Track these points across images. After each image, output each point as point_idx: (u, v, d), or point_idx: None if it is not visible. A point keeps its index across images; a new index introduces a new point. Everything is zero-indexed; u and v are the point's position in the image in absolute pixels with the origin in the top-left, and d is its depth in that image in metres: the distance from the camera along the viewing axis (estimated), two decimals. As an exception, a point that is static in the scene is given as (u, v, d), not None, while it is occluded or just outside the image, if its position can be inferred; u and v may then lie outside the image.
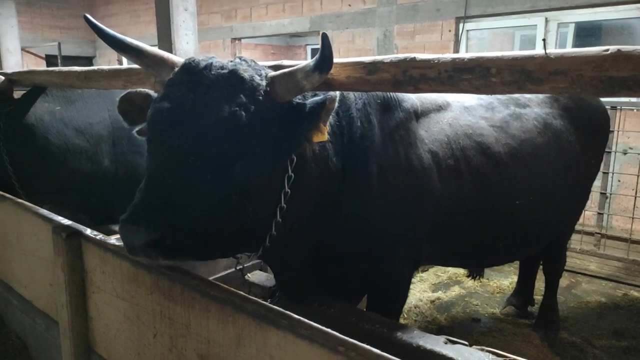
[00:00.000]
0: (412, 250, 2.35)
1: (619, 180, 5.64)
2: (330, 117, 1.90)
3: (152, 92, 1.84)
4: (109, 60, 13.63)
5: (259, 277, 2.73)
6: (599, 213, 4.71)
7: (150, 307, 1.63)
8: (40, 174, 3.33)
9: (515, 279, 4.30)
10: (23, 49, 8.92)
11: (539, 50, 1.21)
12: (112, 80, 2.60)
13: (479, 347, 1.98)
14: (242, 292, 1.39)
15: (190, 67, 1.66)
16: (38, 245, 2.25)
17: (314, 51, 15.08)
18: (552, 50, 1.18)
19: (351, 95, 2.10)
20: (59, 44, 11.62)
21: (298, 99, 1.74)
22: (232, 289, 1.41)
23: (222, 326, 1.37)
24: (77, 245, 1.93)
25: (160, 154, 1.57)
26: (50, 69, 3.11)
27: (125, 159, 3.56)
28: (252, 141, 1.60)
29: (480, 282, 4.31)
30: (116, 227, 3.44)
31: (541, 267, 3.57)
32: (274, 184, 1.77)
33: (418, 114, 2.35)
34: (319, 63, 1.51)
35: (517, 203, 2.46)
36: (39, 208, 2.31)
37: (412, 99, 2.34)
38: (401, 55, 1.46)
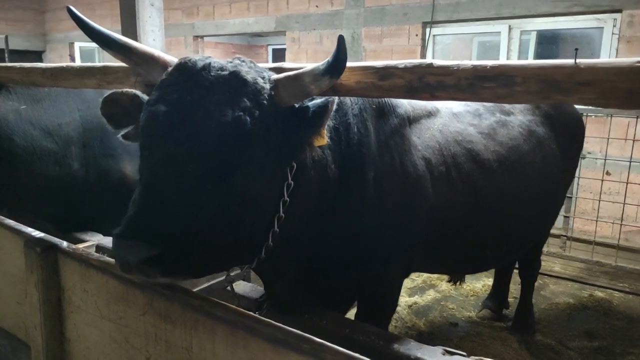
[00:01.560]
0: (405, 259, 2.32)
1: (578, 184, 5.87)
2: (329, 122, 1.83)
3: (139, 93, 1.70)
4: (60, 56, 12.97)
5: (244, 287, 2.61)
6: (564, 216, 4.87)
7: (142, 328, 1.50)
8: (3, 178, 3.06)
9: (487, 282, 4.38)
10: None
11: (567, 60, 1.18)
12: (84, 79, 2.40)
13: (477, 357, 1.95)
14: (252, 313, 1.29)
15: (186, 67, 1.54)
16: (3, 260, 2.04)
17: (275, 51, 14.92)
18: (582, 60, 1.16)
19: (347, 99, 2.03)
20: (6, 37, 10.96)
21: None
22: (242, 309, 1.30)
23: (232, 350, 1.26)
24: (52, 261, 1.75)
25: (156, 161, 1.44)
26: (10, 64, 2.85)
27: (97, 162, 3.33)
28: (255, 148, 1.50)
29: (454, 285, 4.35)
30: (83, 236, 3.26)
31: (516, 270, 3.64)
32: (273, 192, 1.68)
33: (410, 120, 2.31)
34: (331, 67, 1.43)
35: (505, 210, 2.48)
36: (4, 218, 2.10)
37: (405, 105, 2.31)
38: (416, 61, 1.41)
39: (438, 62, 1.37)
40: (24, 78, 2.74)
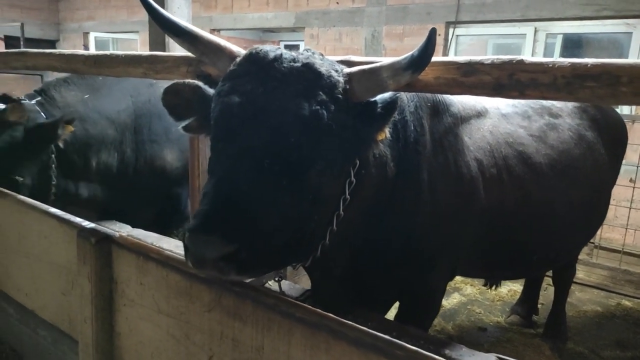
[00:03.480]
0: (452, 261, 2.27)
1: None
2: None
3: (202, 84, 1.65)
4: (73, 45, 12.91)
5: (282, 285, 2.56)
6: (592, 222, 4.79)
7: (206, 325, 1.45)
8: (78, 172, 3.04)
9: (513, 286, 4.32)
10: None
11: (681, 61, 1.12)
12: (130, 68, 2.35)
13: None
14: (334, 316, 1.24)
15: (257, 58, 1.48)
16: (48, 249, 2.00)
17: (287, 47, 14.85)
18: (697, 61, 1.10)
19: (404, 97, 1.98)
20: (22, 24, 10.90)
21: None
22: (323, 311, 1.25)
23: (311, 354, 1.21)
24: (106, 252, 1.71)
25: (230, 154, 1.39)
26: (49, 50, 2.81)
27: (144, 148, 3.32)
28: (329, 144, 1.45)
29: (479, 289, 4.29)
30: (110, 226, 3.22)
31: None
32: (337, 189, 1.63)
33: (461, 120, 2.26)
34: (416, 61, 1.37)
35: (555, 215, 2.42)
36: (49, 207, 2.06)
37: (457, 104, 2.25)
38: (504, 57, 1.35)
39: (529, 59, 1.31)
40: (64, 65, 2.70)
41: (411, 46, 6.86)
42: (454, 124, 2.17)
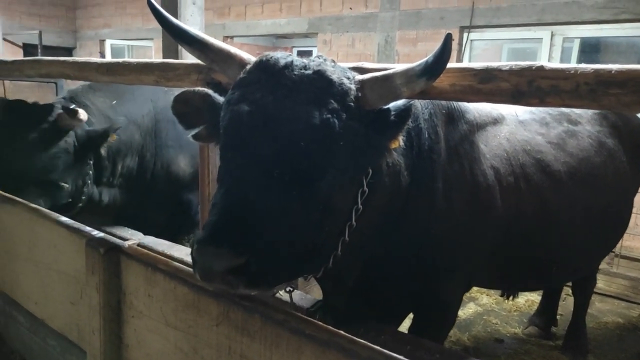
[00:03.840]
0: (468, 272, 2.20)
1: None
2: None
3: (211, 92, 1.62)
4: (90, 52, 13.09)
5: (293, 295, 2.51)
6: (612, 231, 4.67)
7: (214, 340, 1.41)
8: (105, 178, 3.06)
9: (530, 297, 4.22)
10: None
11: None
12: (142, 75, 2.34)
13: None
14: (345, 333, 1.19)
15: (267, 65, 1.45)
16: (58, 258, 1.98)
17: (300, 53, 14.88)
18: None
19: (418, 104, 1.93)
20: (40, 32, 11.09)
21: None
22: (333, 328, 1.20)
23: (322, 372, 1.16)
24: (115, 262, 1.68)
25: (239, 163, 1.35)
26: (63, 58, 2.82)
27: (162, 152, 3.33)
28: (341, 153, 1.40)
29: (495, 299, 4.20)
30: (121, 233, 3.21)
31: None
32: (349, 199, 1.58)
33: (477, 127, 2.20)
34: (431, 68, 1.32)
35: (575, 225, 2.34)
36: (60, 216, 2.04)
37: (473, 110, 2.20)
38: (523, 63, 1.30)
39: (550, 65, 1.26)
40: (77, 73, 2.70)
41: (425, 51, 6.81)
42: (469, 131, 2.12)
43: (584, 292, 3.34)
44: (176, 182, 3.44)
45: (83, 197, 2.96)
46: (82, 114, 2.76)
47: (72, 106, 2.76)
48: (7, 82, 3.71)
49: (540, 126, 2.47)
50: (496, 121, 2.33)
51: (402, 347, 2.04)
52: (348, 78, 1.46)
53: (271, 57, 1.47)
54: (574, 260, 2.49)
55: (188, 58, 5.00)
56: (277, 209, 1.32)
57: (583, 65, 1.21)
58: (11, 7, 12.23)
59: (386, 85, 1.43)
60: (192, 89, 1.64)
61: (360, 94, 1.43)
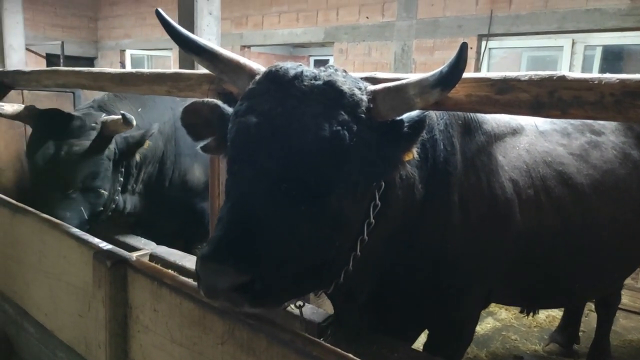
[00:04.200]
0: (486, 288, 2.12)
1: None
2: None
3: (221, 103, 1.59)
4: (110, 62, 13.33)
5: (305, 310, 2.46)
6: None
7: (219, 358, 1.36)
8: (130, 185, 3.11)
9: (551, 312, 4.08)
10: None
11: None
12: (155, 86, 2.33)
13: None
14: (354, 357, 1.13)
15: (277, 76, 1.41)
16: (67, 269, 1.97)
17: (317, 63, 14.89)
18: None
19: (433, 114, 1.87)
20: (62, 43, 11.33)
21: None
22: (342, 351, 1.14)
23: (329, 397, 1.10)
24: (122, 276, 1.65)
25: (246, 177, 1.31)
26: (78, 69, 2.84)
27: (180, 160, 3.33)
28: (351, 166, 1.36)
29: (514, 314, 4.07)
30: (133, 242, 3.20)
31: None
32: (360, 214, 1.53)
33: (495, 138, 2.13)
34: (446, 78, 1.27)
35: (598, 240, 2.24)
36: (70, 227, 2.03)
37: (490, 121, 2.13)
38: (543, 73, 1.23)
39: (572, 74, 1.19)
40: (92, 83, 2.72)
41: (442, 60, 6.73)
42: (487, 143, 2.05)
43: (608, 309, 3.21)
44: (191, 190, 3.44)
45: (113, 206, 2.99)
46: (134, 121, 2.78)
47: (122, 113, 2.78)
48: (25, 92, 3.76)
49: (561, 137, 2.38)
50: (515, 132, 2.26)
51: (417, 366, 1.98)
52: (359, 89, 1.41)
53: (281, 68, 1.44)
54: (597, 278, 2.39)
55: (202, 68, 5.03)
56: (285, 225, 1.27)
57: (608, 75, 1.15)
58: (35, 18, 12.53)
59: (399, 96, 1.38)
60: (201, 99, 1.62)
61: (372, 105, 1.39)
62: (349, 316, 2.02)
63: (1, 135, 3.70)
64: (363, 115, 1.36)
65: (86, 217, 2.83)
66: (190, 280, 1.52)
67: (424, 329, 2.33)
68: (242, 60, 1.61)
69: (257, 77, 1.47)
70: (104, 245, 1.81)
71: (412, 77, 1.39)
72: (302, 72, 1.41)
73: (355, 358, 1.12)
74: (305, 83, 1.38)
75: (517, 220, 2.03)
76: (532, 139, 2.28)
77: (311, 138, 1.29)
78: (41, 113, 2.96)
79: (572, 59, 6.39)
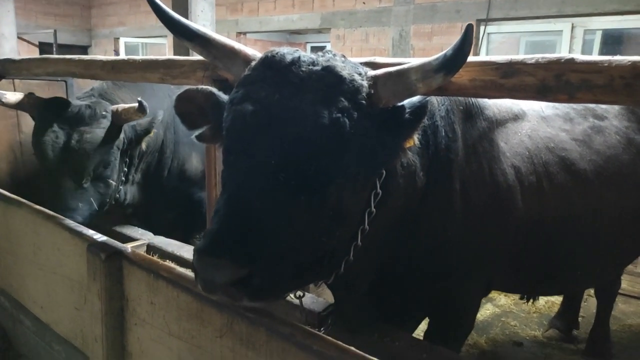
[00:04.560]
0: (487, 276, 2.10)
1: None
2: None
3: (215, 91, 1.54)
4: (105, 50, 13.16)
5: (305, 300, 2.43)
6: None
7: (218, 352, 1.34)
8: (130, 175, 3.06)
9: (550, 298, 4.08)
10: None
11: None
12: (147, 73, 2.27)
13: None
14: (355, 349, 1.10)
15: (273, 62, 1.36)
16: (62, 262, 1.93)
17: (314, 49, 14.74)
18: None
19: (434, 100, 1.82)
20: (55, 31, 11.17)
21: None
22: (343, 344, 1.11)
23: (331, 391, 1.08)
24: (117, 268, 1.62)
25: (242, 168, 1.27)
26: (69, 57, 2.77)
27: (179, 149, 3.28)
28: (352, 154, 1.31)
29: (514, 300, 4.07)
30: (130, 232, 3.16)
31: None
32: (361, 203, 1.49)
33: (497, 123, 2.09)
34: (450, 62, 1.22)
35: (602, 226, 2.21)
36: (64, 218, 1.99)
37: (492, 106, 2.08)
38: (551, 56, 1.19)
39: (581, 57, 1.15)
40: (83, 71, 2.65)
41: (440, 45, 6.64)
42: (488, 129, 2.01)
43: (607, 294, 3.20)
44: (189, 179, 3.39)
45: (117, 196, 2.95)
46: (147, 109, 2.73)
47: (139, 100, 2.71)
48: (17, 81, 3.68)
49: (564, 122, 2.34)
50: (517, 117, 2.21)
51: (418, 355, 1.96)
52: (359, 74, 1.36)
53: (277, 53, 1.38)
54: (600, 265, 2.37)
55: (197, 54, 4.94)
56: (283, 217, 1.23)
57: (618, 57, 1.10)
58: (27, 6, 12.32)
59: (401, 81, 1.33)
60: (195, 87, 1.57)
61: (372, 91, 1.34)
62: (350, 306, 1.99)
63: (-7, 126, 3.63)
64: (363, 102, 1.31)
65: (96, 207, 2.79)
66: (187, 272, 1.49)
67: (424, 317, 2.31)
68: (237, 45, 1.55)
69: (253, 63, 1.42)
70: (98, 237, 1.77)
71: (414, 61, 1.35)
72: (299, 57, 1.36)
73: (356, 350, 1.09)
74: (303, 69, 1.33)
75: (519, 208, 2.00)
76: (534, 125, 2.24)
77: (310, 126, 1.25)
78: (46, 102, 2.89)
79: (572, 43, 6.32)
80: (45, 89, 3.88)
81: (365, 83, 1.34)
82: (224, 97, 1.51)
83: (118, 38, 12.89)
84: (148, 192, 3.28)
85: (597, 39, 6.25)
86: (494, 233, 1.95)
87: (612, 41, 6.27)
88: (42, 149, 2.66)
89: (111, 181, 2.81)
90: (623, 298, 4.26)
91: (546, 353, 3.28)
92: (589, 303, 3.91)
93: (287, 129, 1.25)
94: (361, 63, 1.48)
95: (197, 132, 1.57)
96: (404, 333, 2.09)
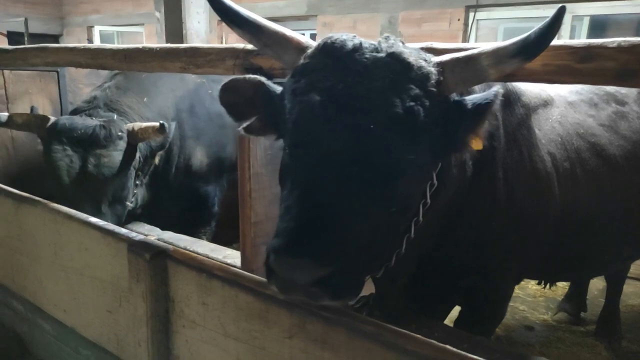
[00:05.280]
0: (523, 265, 2.09)
1: None
2: None
3: (265, 80, 1.46)
4: (78, 39, 12.67)
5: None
6: None
7: (287, 353, 1.28)
8: (141, 177, 2.94)
9: (554, 281, 4.14)
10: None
11: None
12: (166, 62, 2.15)
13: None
14: (454, 349, 1.06)
15: (333, 49, 1.29)
16: (90, 262, 1.83)
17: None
18: None
19: (475, 87, 1.78)
20: (26, 19, 10.70)
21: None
22: (441, 344, 1.07)
23: (427, 392, 1.04)
24: (162, 269, 1.54)
25: (313, 162, 1.20)
26: (72, 45, 2.61)
27: (185, 144, 3.16)
28: (423, 144, 1.26)
29: (519, 285, 4.11)
30: (137, 229, 3.05)
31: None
32: (420, 195, 1.45)
33: (532, 110, 2.07)
34: (531, 46, 1.18)
35: (631, 211, 2.23)
36: (89, 217, 1.88)
37: (527, 93, 2.07)
38: (633, 39, 1.16)
39: (666, 40, 1.12)
40: (90, 61, 2.51)
41: (430, 32, 6.55)
42: (526, 115, 1.99)
43: (617, 276, 3.26)
44: (195, 174, 3.29)
45: (130, 206, 2.85)
46: (168, 129, 2.63)
47: (160, 122, 2.61)
48: (6, 72, 3.48)
49: (589, 107, 2.34)
50: (546, 103, 2.20)
51: (459, 345, 1.94)
52: (425, 60, 1.31)
53: (336, 40, 1.32)
54: (628, 249, 2.39)
55: (193, 41, 4.80)
56: (359, 212, 1.18)
57: None
58: (-6, -7, 11.76)
59: (469, 67, 1.28)
60: (242, 76, 1.48)
61: (441, 78, 1.29)
62: (390, 297, 1.96)
63: (-17, 120, 3.43)
64: (434, 89, 1.26)
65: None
66: (244, 272, 1.42)
67: (455, 305, 2.30)
68: (288, 32, 1.47)
69: (310, 51, 1.35)
70: (135, 235, 1.68)
71: (482, 46, 1.30)
72: (360, 43, 1.30)
73: (456, 350, 1.05)
74: (367, 56, 1.27)
75: (556, 194, 1.99)
76: (562, 111, 2.23)
77: (383, 116, 1.19)
78: (56, 122, 2.65)
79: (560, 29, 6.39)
80: (37, 80, 3.70)
81: (433, 70, 1.28)
82: (274, 87, 1.43)
83: (92, 26, 12.44)
84: (155, 190, 3.17)
85: (585, 25, 6.33)
86: (535, 221, 1.94)
87: (599, 27, 6.37)
88: (57, 174, 2.49)
89: (128, 203, 2.71)
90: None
91: (557, 336, 3.33)
92: (591, 285, 3.99)
93: (359, 119, 1.19)
94: (420, 49, 1.42)
95: (244, 124, 1.49)
96: (440, 323, 2.07)
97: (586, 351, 3.10)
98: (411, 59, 1.27)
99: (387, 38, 1.37)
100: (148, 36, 11.35)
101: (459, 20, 7.00)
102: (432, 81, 1.27)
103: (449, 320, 2.40)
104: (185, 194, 3.36)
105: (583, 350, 3.12)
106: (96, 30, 12.41)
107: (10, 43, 11.41)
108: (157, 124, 2.56)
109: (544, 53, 1.27)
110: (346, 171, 1.18)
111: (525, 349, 3.10)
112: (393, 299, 1.97)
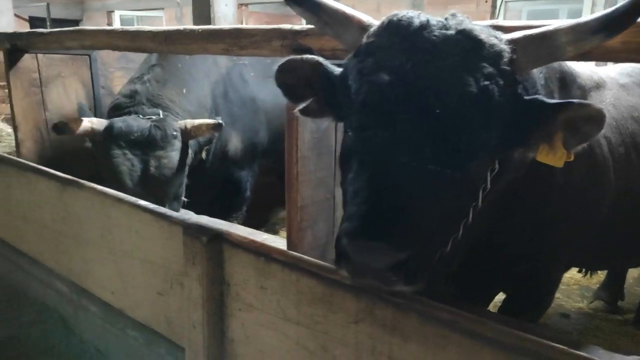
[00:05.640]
0: (574, 253, 2.04)
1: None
2: None
3: (323, 60, 1.42)
4: (97, 24, 12.71)
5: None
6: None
7: (352, 338, 1.26)
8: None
9: (587, 269, 4.07)
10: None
11: None
12: (208, 44, 2.12)
13: None
14: (534, 337, 1.03)
15: (400, 27, 1.25)
16: (140, 245, 1.83)
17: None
18: None
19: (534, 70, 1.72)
20: (48, 4, 10.77)
21: None
22: (518, 331, 1.04)
23: (508, 381, 1.01)
24: (217, 251, 1.53)
25: (383, 144, 1.17)
26: (110, 28, 2.60)
27: (221, 132, 3.15)
28: (495, 126, 1.22)
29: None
30: (181, 212, 3.06)
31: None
32: (483, 179, 1.40)
33: (587, 92, 2.00)
34: (616, 21, 1.12)
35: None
36: (138, 200, 1.88)
37: (582, 75, 1.99)
38: None
39: None
40: (129, 43, 2.49)
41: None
42: (582, 98, 1.92)
43: (660, 265, 3.17)
44: (230, 160, 3.29)
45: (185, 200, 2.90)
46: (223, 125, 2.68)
47: (218, 119, 2.69)
48: (40, 56, 3.48)
49: (642, 90, 2.26)
50: (599, 85, 2.13)
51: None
52: (497, 38, 1.25)
53: (403, 17, 1.27)
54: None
55: (220, 23, 4.75)
56: (432, 195, 1.14)
57: None
58: (16, -21, 11.80)
59: (545, 44, 1.22)
60: (300, 57, 1.44)
61: (514, 56, 1.23)
62: (438, 284, 1.93)
63: (18, 103, 3.45)
64: (507, 68, 1.21)
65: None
66: (304, 256, 1.40)
67: (499, 292, 2.27)
68: (349, 10, 1.43)
69: (374, 29, 1.31)
70: (188, 218, 1.68)
71: (555, 23, 1.24)
72: (428, 20, 1.25)
73: (536, 338, 1.02)
74: (436, 33, 1.22)
75: (611, 179, 1.94)
76: (615, 93, 2.15)
77: (457, 96, 1.15)
78: (112, 126, 2.61)
79: (593, 10, 6.21)
80: (69, 64, 3.69)
81: (506, 47, 1.23)
82: (333, 67, 1.40)
83: (112, 11, 12.47)
84: (192, 177, 3.18)
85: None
86: (591, 207, 1.89)
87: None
88: (120, 178, 2.50)
89: (184, 198, 2.76)
90: None
91: (595, 325, 3.27)
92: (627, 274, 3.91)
93: (432, 100, 1.15)
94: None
95: (301, 106, 1.46)
96: (489, 312, 2.04)
97: (627, 340, 3.05)
98: (483, 36, 1.22)
99: (454, 15, 1.32)
100: (168, 20, 11.35)
101: (486, 1, 6.85)
102: (505, 59, 1.22)
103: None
104: (220, 179, 3.36)
105: (623, 339, 3.06)
106: (116, 14, 12.43)
107: (31, 27, 11.49)
108: (211, 121, 2.60)
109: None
110: (419, 153, 1.14)
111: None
112: (441, 286, 1.94)
